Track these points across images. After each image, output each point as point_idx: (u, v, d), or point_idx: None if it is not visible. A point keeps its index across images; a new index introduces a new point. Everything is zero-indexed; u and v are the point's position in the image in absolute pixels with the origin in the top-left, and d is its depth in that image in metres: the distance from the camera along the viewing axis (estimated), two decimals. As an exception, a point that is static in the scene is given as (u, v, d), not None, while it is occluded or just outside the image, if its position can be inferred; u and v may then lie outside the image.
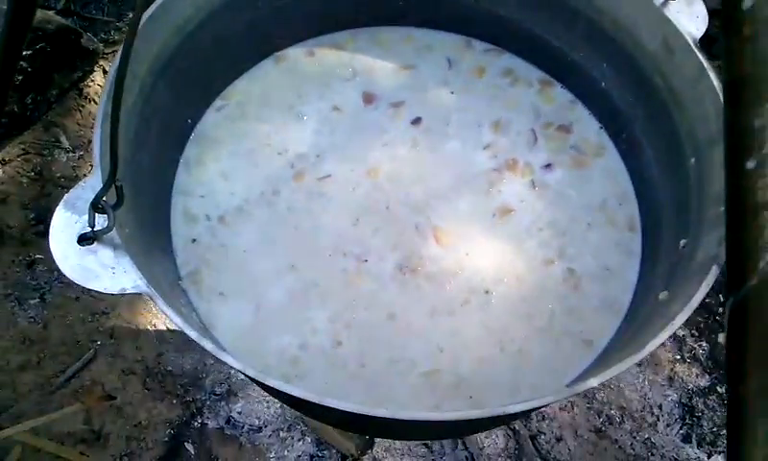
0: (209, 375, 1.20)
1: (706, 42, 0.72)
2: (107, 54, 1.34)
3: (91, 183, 0.61)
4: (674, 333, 1.22)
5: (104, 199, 0.57)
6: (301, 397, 0.51)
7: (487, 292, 0.72)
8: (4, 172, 1.18)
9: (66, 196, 0.61)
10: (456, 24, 0.86)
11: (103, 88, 1.32)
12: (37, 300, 1.15)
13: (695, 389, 1.19)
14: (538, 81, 0.85)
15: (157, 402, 1.17)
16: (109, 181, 0.56)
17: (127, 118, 0.66)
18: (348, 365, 0.68)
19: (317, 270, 0.73)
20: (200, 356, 1.23)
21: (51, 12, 1.28)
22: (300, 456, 1.17)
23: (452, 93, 0.84)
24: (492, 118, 0.83)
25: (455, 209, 0.77)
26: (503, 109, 0.83)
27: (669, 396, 1.20)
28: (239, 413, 1.20)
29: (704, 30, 0.72)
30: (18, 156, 1.20)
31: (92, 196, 0.58)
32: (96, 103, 1.30)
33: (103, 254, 0.58)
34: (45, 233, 1.15)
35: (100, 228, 0.58)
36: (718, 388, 1.18)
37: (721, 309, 1.24)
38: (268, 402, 1.22)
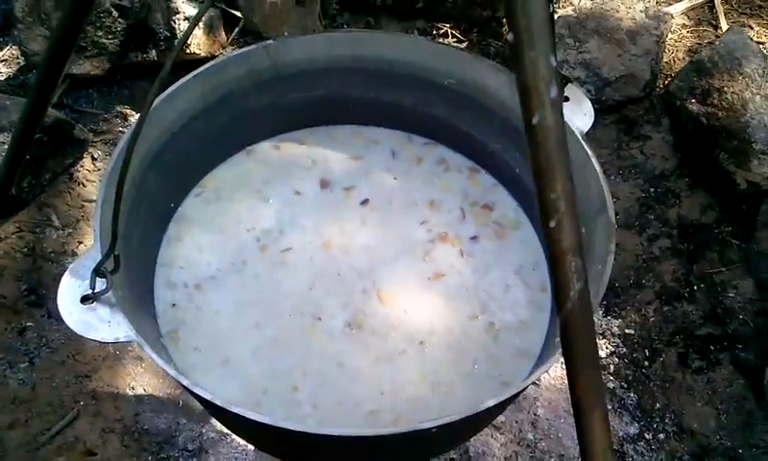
0: (182, 433, 1.32)
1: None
2: (95, 142, 1.50)
3: (92, 255, 0.75)
4: (606, 386, 1.37)
5: (104, 266, 0.72)
6: (255, 419, 0.65)
7: (421, 343, 0.88)
8: (0, 248, 1.32)
9: (71, 265, 0.76)
10: (398, 122, 1.05)
11: (99, 174, 1.48)
12: (27, 363, 1.26)
13: (625, 436, 1.33)
14: (466, 168, 1.04)
15: (134, 459, 1.27)
16: (110, 251, 0.71)
17: (122, 203, 0.81)
18: (303, 406, 0.82)
19: (278, 328, 0.88)
20: (173, 416, 1.34)
21: (47, 106, 1.44)
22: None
23: (395, 179, 1.02)
24: (428, 199, 1.00)
25: (396, 274, 0.93)
26: (437, 191, 1.01)
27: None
28: (212, 466, 1.30)
29: (590, 124, 0.91)
30: (13, 233, 1.34)
31: (93, 264, 0.73)
32: (84, 186, 1.45)
33: (101, 310, 0.72)
34: (36, 303, 1.29)
35: (99, 290, 0.73)
36: (646, 435, 1.33)
37: (647, 363, 1.40)
38: (237, 458, 1.33)
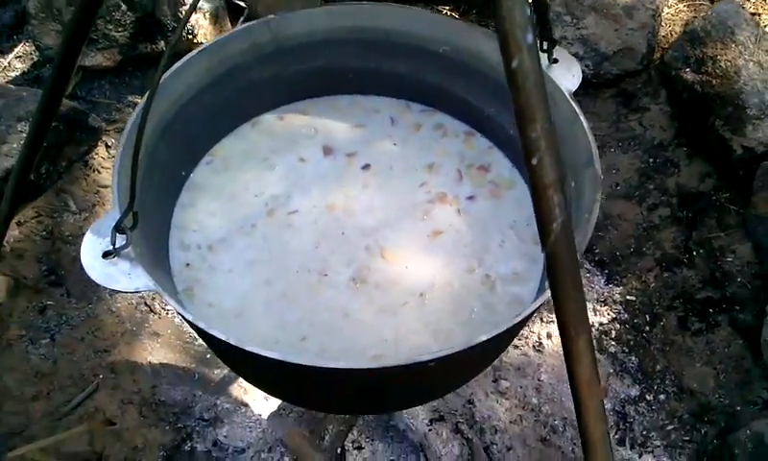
0: (198, 403, 1.38)
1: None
2: (108, 131, 1.57)
3: (111, 215, 0.81)
4: (607, 350, 1.41)
5: (123, 223, 0.78)
6: (269, 356, 0.71)
7: (422, 295, 0.93)
8: (20, 232, 1.39)
9: (93, 225, 0.82)
10: (396, 91, 1.10)
11: (113, 160, 1.55)
12: (48, 340, 1.33)
13: (626, 398, 1.38)
14: (463, 132, 1.09)
15: (152, 428, 1.33)
16: (129, 208, 0.77)
17: (137, 168, 0.87)
18: (311, 354, 0.87)
19: (287, 283, 0.93)
20: (189, 388, 1.40)
21: (61, 96, 1.51)
22: (280, 475, 1.33)
23: (395, 144, 1.07)
24: (427, 162, 1.06)
25: (397, 233, 0.98)
26: (435, 155, 1.06)
27: (604, 405, 1.38)
28: (225, 437, 1.36)
29: (578, 84, 0.96)
30: (32, 217, 1.41)
31: (113, 223, 0.79)
32: (99, 172, 1.52)
33: (121, 265, 0.78)
34: (56, 283, 1.35)
35: (119, 246, 0.79)
36: (647, 396, 1.37)
37: (647, 328, 1.44)
38: (251, 427, 1.39)
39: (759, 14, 1.76)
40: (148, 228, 0.88)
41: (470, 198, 1.02)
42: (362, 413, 1.25)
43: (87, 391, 1.30)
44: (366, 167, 1.05)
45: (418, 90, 1.09)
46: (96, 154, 1.52)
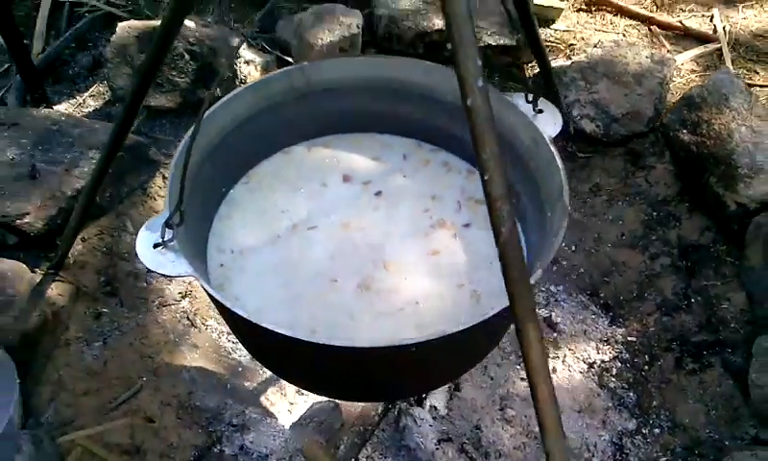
0: (228, 410, 1.53)
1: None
2: (165, 164, 1.80)
3: (162, 216, 1.00)
4: (608, 386, 1.51)
5: (171, 220, 0.97)
6: (282, 333, 0.87)
7: (417, 303, 1.08)
8: (83, 246, 1.61)
9: (147, 223, 1.01)
10: (409, 131, 1.29)
11: (167, 178, 1.77)
12: (101, 343, 1.52)
13: (623, 431, 1.47)
14: (465, 169, 1.26)
15: (186, 429, 1.49)
16: (177, 208, 0.96)
17: (185, 181, 1.07)
18: (318, 343, 1.03)
19: (302, 286, 1.10)
20: (222, 397, 1.56)
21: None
22: (296, 481, 1.46)
23: (405, 176, 1.26)
24: (431, 193, 1.23)
25: (400, 250, 1.15)
26: (439, 187, 1.24)
27: (602, 436, 1.47)
28: (251, 443, 1.50)
29: (558, 131, 1.12)
30: (95, 235, 1.63)
31: (163, 221, 0.98)
32: (155, 200, 1.74)
33: (168, 255, 0.96)
34: (111, 294, 1.55)
35: (167, 239, 0.97)
36: (643, 430, 1.46)
37: (646, 367, 1.54)
38: (274, 436, 1.53)
39: (753, 85, 1.90)
40: (192, 231, 1.07)
41: (466, 225, 1.18)
42: (361, 399, 1.38)
43: (132, 391, 1.47)
44: (378, 194, 1.23)
45: (428, 131, 1.27)
46: (153, 183, 1.75)
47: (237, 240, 1.16)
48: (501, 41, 1.97)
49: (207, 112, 1.14)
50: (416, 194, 1.22)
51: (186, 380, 1.55)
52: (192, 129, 1.06)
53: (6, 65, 2.03)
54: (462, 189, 1.23)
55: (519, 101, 1.16)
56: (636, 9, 2.23)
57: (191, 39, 1.77)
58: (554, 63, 1.96)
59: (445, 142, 1.28)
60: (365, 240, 1.16)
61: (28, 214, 1.48)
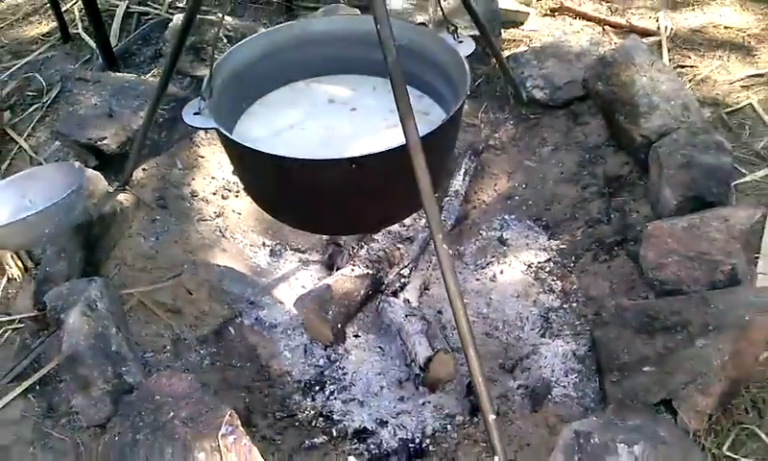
0: (248, 295, 2.02)
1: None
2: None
3: (197, 101, 1.53)
4: (540, 278, 1.95)
5: (204, 94, 1.50)
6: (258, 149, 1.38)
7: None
8: (144, 173, 2.15)
9: (189, 103, 1.54)
10: (379, 72, 1.80)
11: (210, 139, 2.31)
12: (155, 239, 2.04)
13: (550, 307, 1.90)
14: (416, 95, 1.76)
15: (215, 303, 1.98)
16: (209, 83, 1.49)
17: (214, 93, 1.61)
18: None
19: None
20: (243, 286, 2.06)
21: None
22: (298, 345, 1.93)
23: (373, 100, 1.77)
24: (390, 108, 1.72)
25: (364, 142, 1.65)
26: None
27: (533, 311, 1.91)
28: (264, 316, 1.99)
29: (470, 51, 1.62)
30: (152, 166, 2.19)
31: (200, 103, 1.52)
32: (199, 147, 2.29)
33: (204, 118, 1.49)
34: (163, 207, 2.09)
35: (202, 108, 1.50)
36: (564, 306, 1.89)
37: (571, 264, 1.97)
38: (282, 313, 2.01)
39: (684, 66, 2.36)
40: (221, 119, 1.59)
41: (414, 126, 1.68)
42: (326, 230, 1.85)
43: (175, 273, 1.99)
44: (353, 109, 1.75)
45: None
46: (197, 133, 2.30)
47: (251, 134, 1.68)
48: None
49: (234, 48, 1.70)
50: (379, 110, 1.73)
51: (217, 272, 2.06)
52: (221, 57, 1.60)
53: (88, 55, 2.67)
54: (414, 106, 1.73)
55: (448, 38, 1.68)
56: (592, 13, 2.74)
57: (228, 28, 2.35)
58: (516, 50, 2.49)
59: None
60: (340, 135, 1.67)
61: (106, 138, 2.05)
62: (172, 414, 1.43)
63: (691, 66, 2.41)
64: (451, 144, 1.71)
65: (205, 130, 1.48)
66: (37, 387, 1.68)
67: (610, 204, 2.04)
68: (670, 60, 2.42)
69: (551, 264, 2.01)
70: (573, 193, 2.14)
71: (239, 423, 1.41)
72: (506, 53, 2.52)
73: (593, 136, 2.21)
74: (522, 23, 2.71)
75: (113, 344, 1.62)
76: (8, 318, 1.84)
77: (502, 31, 2.66)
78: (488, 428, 1.33)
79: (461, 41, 1.66)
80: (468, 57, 1.62)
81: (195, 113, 1.51)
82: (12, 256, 1.95)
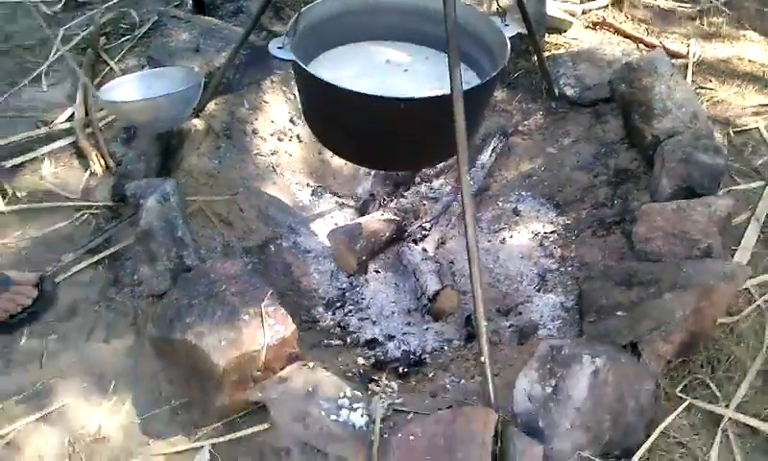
0: (287, 221, 2.35)
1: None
2: (277, 70, 2.69)
3: (282, 38, 1.86)
4: (543, 245, 2.25)
5: (289, 33, 1.83)
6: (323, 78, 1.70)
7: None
8: (215, 105, 2.49)
9: (275, 39, 1.87)
10: (432, 43, 2.12)
11: (274, 86, 2.65)
12: (217, 162, 2.38)
13: (547, 269, 2.18)
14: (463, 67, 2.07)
15: (261, 224, 2.31)
16: (294, 26, 1.82)
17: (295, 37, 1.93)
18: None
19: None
20: (285, 214, 2.38)
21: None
22: (326, 270, 2.25)
23: (424, 67, 2.08)
24: (437, 76, 2.03)
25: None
26: (443, 74, 2.04)
27: (533, 270, 2.20)
28: (300, 241, 2.31)
29: (512, 33, 1.92)
30: (223, 102, 2.52)
31: (285, 40, 1.84)
32: (264, 93, 2.63)
33: (286, 52, 1.82)
34: (228, 137, 2.43)
35: (286, 44, 1.83)
36: (561, 268, 2.17)
37: (573, 237, 2.25)
38: (316, 241, 2.33)
39: (704, 88, 2.63)
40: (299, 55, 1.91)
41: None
42: (374, 164, 2.16)
43: (232, 192, 2.32)
44: (405, 70, 2.06)
45: (443, 43, 2.10)
46: (264, 81, 2.64)
47: (322, 72, 2.00)
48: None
49: (315, 3, 2.03)
50: (428, 75, 2.04)
51: (265, 199, 2.39)
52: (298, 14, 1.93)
53: (177, 2, 3.04)
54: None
55: (497, 20, 1.99)
56: (630, 31, 3.02)
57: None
58: (555, 52, 2.79)
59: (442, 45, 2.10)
60: (392, 89, 1.98)
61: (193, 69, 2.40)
62: (224, 287, 1.75)
63: (711, 89, 2.67)
64: (483, 105, 2.00)
65: (285, 61, 1.79)
66: (107, 262, 2.02)
67: (615, 191, 2.32)
68: (693, 80, 2.68)
69: (555, 235, 2.29)
70: (585, 180, 2.42)
71: (277, 299, 1.73)
72: (546, 53, 2.81)
73: (611, 134, 2.49)
74: (566, 31, 3.00)
75: (179, 230, 1.95)
76: (87, 203, 2.19)
77: (546, 34, 2.95)
78: (478, 334, 1.61)
79: (507, 25, 1.96)
80: (511, 49, 1.92)
81: (278, 47, 1.83)
82: (96, 155, 2.31)
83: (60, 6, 3.04)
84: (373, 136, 1.88)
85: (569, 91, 2.61)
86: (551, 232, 2.31)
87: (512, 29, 1.97)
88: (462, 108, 1.63)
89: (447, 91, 1.63)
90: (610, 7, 3.15)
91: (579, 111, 2.61)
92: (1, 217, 2.12)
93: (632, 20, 3.12)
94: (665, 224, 1.91)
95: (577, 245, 2.22)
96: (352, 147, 1.98)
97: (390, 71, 2.08)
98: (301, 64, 1.78)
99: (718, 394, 1.65)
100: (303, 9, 1.96)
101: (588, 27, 3.07)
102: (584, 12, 3.07)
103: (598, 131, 2.53)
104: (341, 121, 1.89)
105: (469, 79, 2.06)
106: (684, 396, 1.66)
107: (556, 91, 2.62)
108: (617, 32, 3.04)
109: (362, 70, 2.07)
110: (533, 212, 2.41)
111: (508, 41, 1.90)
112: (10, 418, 1.62)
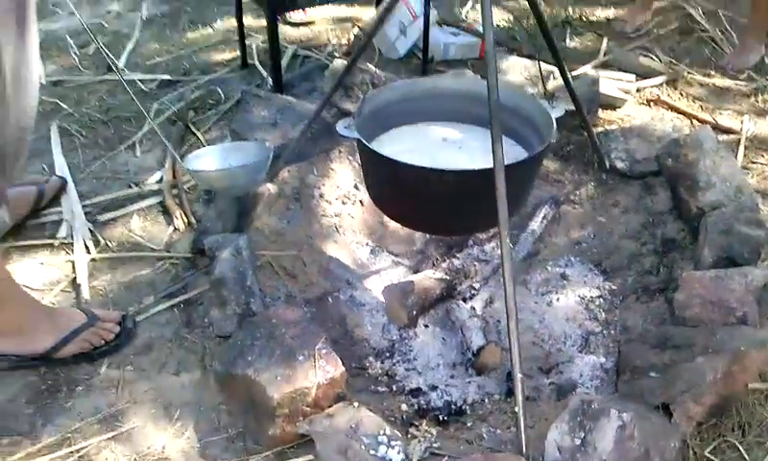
0: (347, 277, 2.54)
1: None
2: (345, 142, 2.95)
3: (349, 119, 2.11)
4: (589, 308, 2.35)
5: (354, 117, 2.07)
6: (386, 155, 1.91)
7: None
8: (288, 173, 2.75)
9: (341, 120, 2.11)
10: (484, 124, 2.31)
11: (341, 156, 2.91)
12: (286, 223, 2.61)
13: (591, 331, 2.27)
14: (509, 143, 2.25)
15: (322, 278, 2.50)
16: (359, 109, 2.06)
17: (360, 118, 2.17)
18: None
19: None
20: (344, 271, 2.58)
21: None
22: (378, 322, 2.41)
23: (476, 145, 2.27)
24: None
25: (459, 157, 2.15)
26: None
27: (576, 332, 2.29)
28: (357, 295, 2.49)
29: (560, 115, 2.10)
30: (292, 171, 2.78)
31: (350, 121, 2.09)
32: (332, 160, 2.88)
33: (351, 131, 2.06)
34: (297, 200, 2.68)
35: (351, 124, 2.07)
36: (603, 332, 2.25)
37: (617, 301, 2.33)
38: (371, 295, 2.50)
39: (755, 163, 2.69)
40: (363, 134, 2.15)
41: (500, 160, 2.17)
42: (438, 231, 2.33)
43: (297, 248, 2.54)
44: (460, 148, 2.26)
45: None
46: (332, 150, 2.90)
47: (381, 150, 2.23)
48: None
49: (379, 89, 2.28)
50: (480, 151, 2.22)
51: (327, 256, 2.60)
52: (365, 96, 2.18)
53: (258, 81, 3.39)
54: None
55: (545, 102, 2.17)
56: (684, 108, 3.13)
57: (373, 75, 2.97)
58: (608, 127, 2.93)
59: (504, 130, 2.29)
60: (446, 164, 2.16)
61: (267, 140, 2.69)
62: (283, 331, 1.95)
63: (762, 163, 2.73)
64: (528, 178, 2.16)
65: (350, 139, 2.05)
66: (182, 305, 2.27)
67: (661, 260, 2.40)
68: (744, 156, 2.76)
69: (600, 300, 2.38)
70: (632, 248, 2.51)
71: (330, 345, 1.91)
72: (599, 128, 2.96)
73: (659, 205, 2.59)
74: (620, 108, 3.14)
75: (248, 280, 2.18)
76: (169, 255, 2.47)
77: (601, 110, 3.10)
78: (514, 385, 1.73)
79: (554, 107, 2.15)
80: (564, 125, 2.10)
81: (345, 126, 2.08)
82: (179, 213, 2.61)
83: (155, 84, 3.45)
84: (426, 204, 2.08)
85: (620, 164, 2.73)
86: (597, 297, 2.40)
87: (558, 110, 2.15)
88: (503, 179, 1.80)
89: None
90: (664, 85, 3.28)
91: (629, 183, 2.72)
92: (93, 263, 2.43)
93: (686, 98, 3.23)
94: (704, 291, 1.99)
95: (621, 310, 2.30)
96: (408, 213, 2.18)
97: (445, 147, 2.29)
98: (365, 142, 2.01)
99: (747, 458, 1.68)
100: (368, 94, 2.21)
101: (642, 104, 3.20)
102: (638, 90, 3.21)
103: (647, 202, 2.63)
104: (398, 190, 2.09)
105: (518, 154, 2.23)
106: (713, 457, 1.71)
107: (607, 164, 2.75)
108: (671, 108, 3.15)
109: (419, 147, 2.28)
110: (580, 277, 2.51)
111: (554, 121, 2.08)
112: (85, 435, 1.85)
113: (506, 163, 1.82)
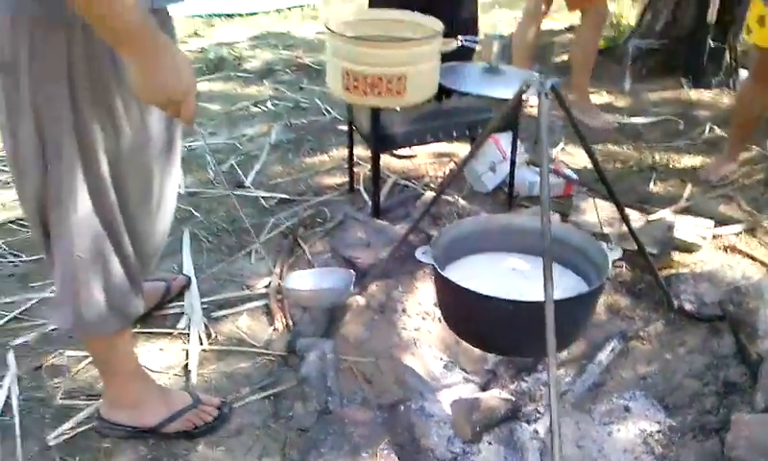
0: (420, 388, 2.79)
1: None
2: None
3: (427, 247, 2.44)
4: (648, 443, 2.50)
5: (431, 246, 2.41)
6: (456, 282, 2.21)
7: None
8: (376, 288, 3.10)
9: (420, 248, 2.45)
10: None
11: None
12: (369, 332, 2.93)
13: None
14: (571, 271, 2.49)
15: (396, 386, 2.77)
16: (437, 240, 2.41)
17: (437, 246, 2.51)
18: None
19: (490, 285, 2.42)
20: (418, 381, 2.83)
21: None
22: (444, 434, 2.63)
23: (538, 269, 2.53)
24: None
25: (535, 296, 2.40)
26: (557, 277, 2.48)
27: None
28: (426, 406, 2.73)
29: (617, 257, 2.33)
30: (380, 286, 3.13)
31: (428, 250, 2.43)
32: (417, 280, 3.21)
33: (428, 257, 2.39)
34: (382, 312, 3.02)
35: (427, 251, 2.41)
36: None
37: (675, 438, 2.41)
38: (440, 408, 2.73)
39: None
40: (438, 262, 2.47)
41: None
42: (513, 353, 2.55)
43: (376, 356, 2.84)
44: (527, 277, 2.53)
45: (559, 257, 2.54)
46: (418, 272, 3.22)
47: (452, 277, 2.52)
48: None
49: (457, 222, 2.62)
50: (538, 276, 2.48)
51: (402, 366, 2.87)
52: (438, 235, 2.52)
53: (362, 205, 3.83)
54: (567, 281, 2.46)
55: (603, 244, 2.42)
56: (761, 257, 3.22)
57: (460, 207, 3.32)
58: (680, 271, 3.09)
59: (561, 261, 2.54)
60: (512, 292, 2.43)
61: (360, 259, 3.06)
62: (353, 430, 2.23)
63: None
64: (584, 311, 2.38)
65: (427, 264, 2.38)
66: (272, 398, 2.61)
67: (722, 402, 2.48)
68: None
69: (660, 435, 2.48)
70: (695, 387, 2.61)
71: (393, 447, 2.16)
72: (672, 270, 3.12)
73: (725, 348, 2.68)
74: (695, 252, 3.29)
75: (329, 381, 2.49)
76: (267, 352, 2.84)
77: (677, 253, 3.26)
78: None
79: (612, 249, 2.40)
80: (631, 263, 2.32)
81: (423, 252, 2.42)
82: (280, 316, 3.00)
83: (275, 201, 3.97)
84: (492, 329, 2.34)
85: (688, 306, 2.87)
86: (656, 431, 2.50)
87: (616, 252, 2.39)
88: (552, 310, 2.05)
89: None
90: (743, 233, 3.39)
91: (696, 325, 2.84)
92: (203, 353, 2.84)
93: (765, 247, 3.32)
94: (750, 434, 2.08)
95: (677, 446, 2.39)
96: (476, 336, 2.44)
97: (513, 276, 2.56)
98: (438, 269, 2.34)
99: None
100: (445, 227, 2.55)
101: (718, 249, 3.33)
102: (714, 237, 3.35)
103: (713, 344, 2.73)
104: (467, 314, 2.37)
105: (581, 288, 2.46)
106: None
107: (675, 304, 2.89)
108: (747, 256, 3.25)
109: (489, 275, 2.57)
110: (642, 411, 2.61)
111: (610, 262, 2.32)
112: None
113: (557, 298, 2.07)
